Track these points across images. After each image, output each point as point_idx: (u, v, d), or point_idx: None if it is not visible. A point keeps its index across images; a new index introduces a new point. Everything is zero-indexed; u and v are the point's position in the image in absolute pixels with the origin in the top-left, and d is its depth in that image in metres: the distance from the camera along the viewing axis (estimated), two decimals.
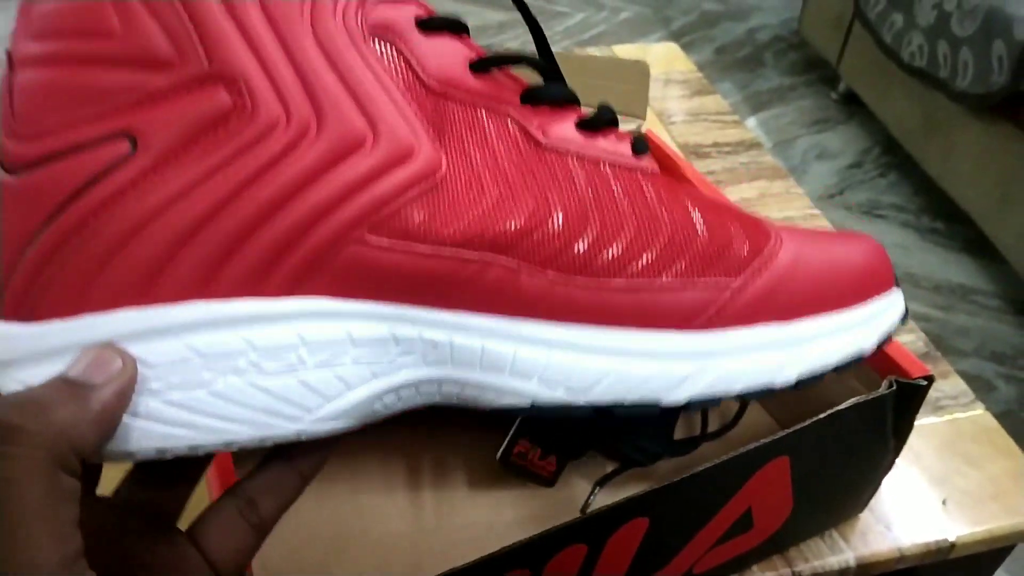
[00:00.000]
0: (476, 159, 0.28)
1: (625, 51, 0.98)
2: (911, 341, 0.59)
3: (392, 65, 0.26)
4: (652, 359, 0.29)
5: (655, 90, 0.89)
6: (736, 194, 0.72)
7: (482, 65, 0.29)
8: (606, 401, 0.29)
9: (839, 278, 0.34)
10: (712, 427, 0.49)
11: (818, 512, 0.45)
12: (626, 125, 0.60)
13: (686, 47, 2.14)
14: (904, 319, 0.37)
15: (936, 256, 1.48)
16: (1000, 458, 0.51)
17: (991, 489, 0.49)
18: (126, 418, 0.23)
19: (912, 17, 1.49)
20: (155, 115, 0.24)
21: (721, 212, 0.33)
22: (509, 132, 0.29)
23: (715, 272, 0.31)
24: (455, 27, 0.29)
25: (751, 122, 1.85)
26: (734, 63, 2.08)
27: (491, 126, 0.28)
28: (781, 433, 0.37)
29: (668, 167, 0.56)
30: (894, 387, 0.39)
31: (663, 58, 0.96)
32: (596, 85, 0.63)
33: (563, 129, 0.30)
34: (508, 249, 0.28)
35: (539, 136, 0.29)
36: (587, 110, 0.31)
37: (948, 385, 0.56)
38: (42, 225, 0.23)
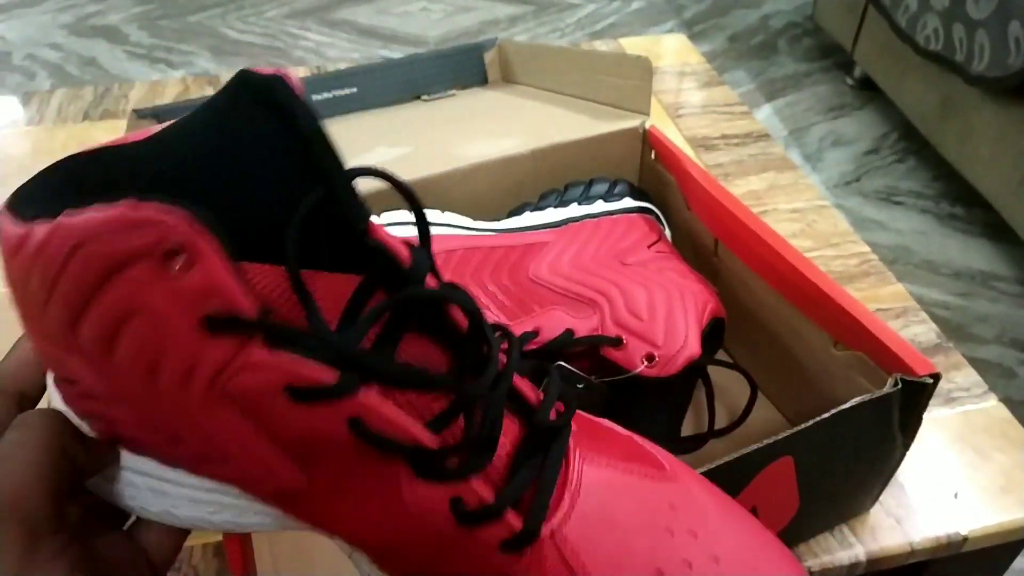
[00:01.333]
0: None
1: (635, 43, 0.97)
2: (923, 332, 0.59)
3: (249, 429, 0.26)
4: None
5: (665, 83, 0.88)
6: (744, 186, 0.72)
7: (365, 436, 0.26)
8: None
9: None
10: (719, 424, 0.49)
11: (825, 509, 0.44)
12: (631, 121, 0.60)
13: (698, 36, 2.12)
14: None
15: (956, 242, 1.46)
16: (1012, 450, 0.50)
17: (1003, 481, 0.49)
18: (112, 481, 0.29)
19: (927, 0, 1.47)
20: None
21: None
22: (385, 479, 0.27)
23: None
24: (332, 394, 0.25)
25: (766, 110, 1.83)
26: (748, 51, 2.06)
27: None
28: (784, 434, 0.36)
29: (673, 166, 0.56)
30: (899, 385, 0.38)
31: (672, 50, 0.95)
32: (599, 81, 0.63)
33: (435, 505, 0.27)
34: None
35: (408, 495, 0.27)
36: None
37: (961, 377, 0.55)
38: None
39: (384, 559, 0.29)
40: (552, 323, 0.47)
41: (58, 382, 0.28)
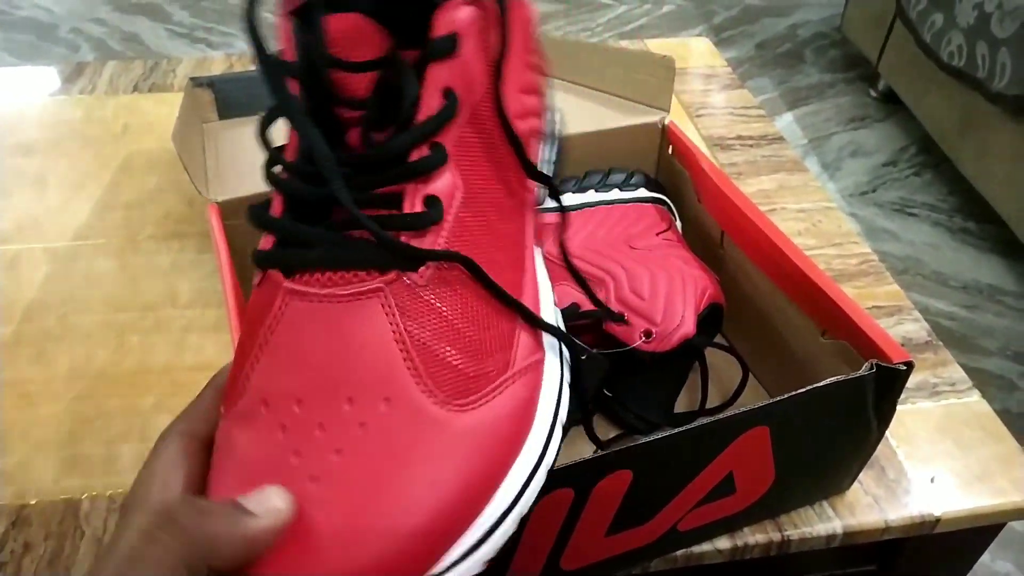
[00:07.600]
0: None
1: (661, 44, 1.00)
2: (914, 330, 0.62)
3: None
4: None
5: (687, 83, 0.92)
6: (756, 185, 0.75)
7: None
8: None
9: None
10: (712, 404, 0.52)
11: (802, 484, 0.47)
12: (651, 116, 0.63)
13: (727, 42, 2.15)
14: None
15: (966, 256, 1.49)
16: (991, 442, 0.53)
17: (979, 471, 0.52)
18: None
19: (952, 17, 1.49)
20: None
21: None
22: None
23: None
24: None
25: (787, 118, 1.86)
26: (774, 59, 2.09)
27: None
28: (760, 404, 0.40)
29: (688, 161, 0.60)
30: (874, 370, 0.41)
31: (697, 53, 0.98)
32: (624, 77, 0.67)
33: None
34: None
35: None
36: None
37: (948, 372, 0.58)
38: None
39: None
40: (561, 297, 0.50)
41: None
